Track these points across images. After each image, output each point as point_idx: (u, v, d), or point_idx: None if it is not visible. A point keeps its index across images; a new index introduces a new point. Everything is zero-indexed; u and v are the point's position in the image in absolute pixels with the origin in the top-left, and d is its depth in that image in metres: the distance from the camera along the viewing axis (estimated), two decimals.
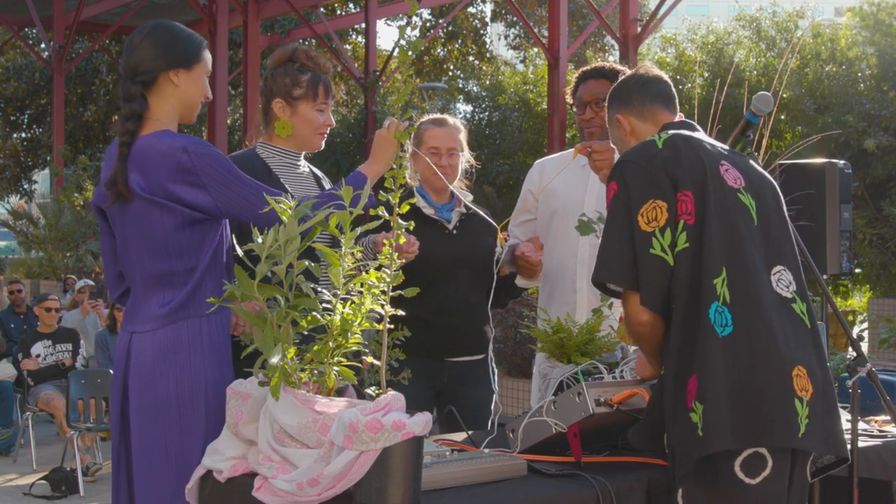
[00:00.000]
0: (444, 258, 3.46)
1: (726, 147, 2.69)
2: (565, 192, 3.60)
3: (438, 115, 3.68)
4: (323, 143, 3.19)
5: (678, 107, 2.80)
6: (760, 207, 2.54)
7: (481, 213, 3.53)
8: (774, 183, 2.69)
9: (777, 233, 2.56)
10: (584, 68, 3.78)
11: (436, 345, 3.47)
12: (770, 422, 2.31)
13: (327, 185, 3.26)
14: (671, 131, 2.60)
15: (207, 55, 2.88)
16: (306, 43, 20.16)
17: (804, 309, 2.51)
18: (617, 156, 3.55)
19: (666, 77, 2.82)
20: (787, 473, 2.39)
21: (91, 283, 9.93)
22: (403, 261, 3.18)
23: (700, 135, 2.65)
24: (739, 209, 2.49)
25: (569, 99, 3.86)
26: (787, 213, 2.66)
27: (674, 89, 2.82)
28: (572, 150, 3.89)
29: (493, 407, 3.64)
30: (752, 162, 2.68)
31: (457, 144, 3.58)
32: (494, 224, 3.55)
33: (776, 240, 2.55)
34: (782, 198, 2.67)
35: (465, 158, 3.65)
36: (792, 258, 2.57)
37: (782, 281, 2.49)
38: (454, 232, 3.56)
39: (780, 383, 2.34)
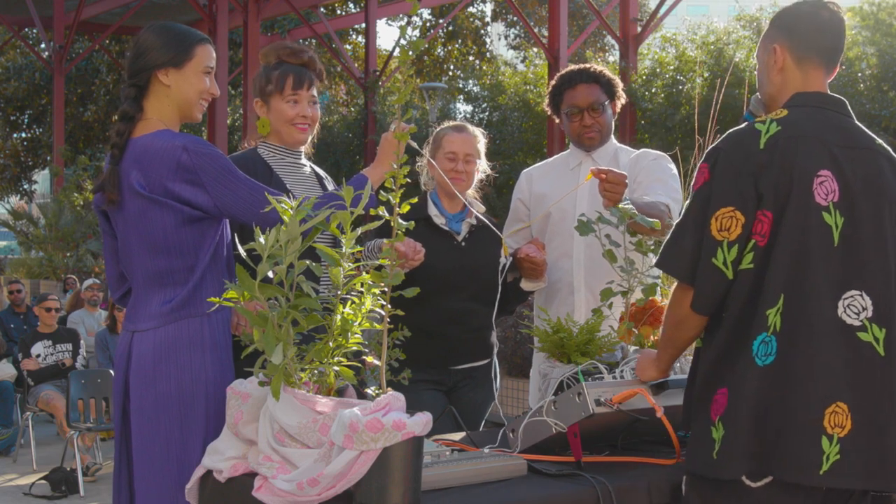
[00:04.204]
0: (451, 269, 3.45)
1: (856, 141, 2.39)
2: (556, 196, 3.58)
3: (459, 122, 3.65)
4: (305, 135, 3.15)
5: (836, 65, 2.53)
6: (849, 225, 2.32)
7: (492, 225, 3.52)
8: None
9: (864, 253, 2.33)
10: (568, 72, 3.71)
11: (439, 355, 3.47)
12: (787, 455, 2.25)
13: (329, 184, 3.26)
14: (786, 118, 2.38)
15: (202, 51, 2.84)
16: (306, 43, 20.16)
17: (881, 336, 2.31)
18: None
19: (844, 28, 2.51)
20: (798, 494, 2.30)
21: (98, 280, 9.94)
22: (407, 268, 3.19)
23: (817, 127, 2.37)
24: (819, 231, 2.29)
25: (547, 108, 3.79)
26: None
27: (843, 43, 2.53)
28: (559, 156, 3.88)
29: (490, 409, 3.64)
30: (885, 160, 2.41)
31: (474, 151, 3.54)
32: (500, 235, 3.52)
33: (859, 261, 2.32)
34: None
35: (482, 168, 3.62)
36: (881, 280, 2.33)
37: (853, 307, 2.30)
38: (463, 244, 3.54)
39: (807, 419, 2.26)
